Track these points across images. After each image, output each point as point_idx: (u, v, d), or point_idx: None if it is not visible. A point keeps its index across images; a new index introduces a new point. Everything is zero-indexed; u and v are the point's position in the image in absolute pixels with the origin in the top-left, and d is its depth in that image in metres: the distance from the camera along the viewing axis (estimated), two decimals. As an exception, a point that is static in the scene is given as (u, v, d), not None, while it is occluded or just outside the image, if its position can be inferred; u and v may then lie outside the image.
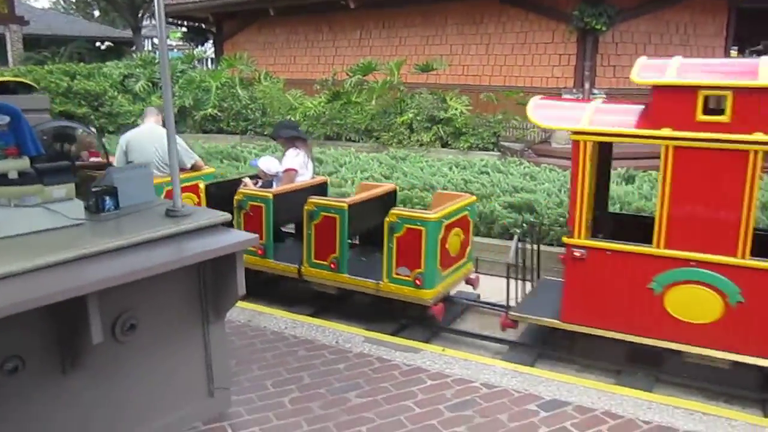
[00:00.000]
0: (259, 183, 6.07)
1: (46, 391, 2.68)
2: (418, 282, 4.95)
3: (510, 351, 5.06)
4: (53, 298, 2.39)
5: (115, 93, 15.97)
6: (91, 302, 2.53)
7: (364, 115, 13.13)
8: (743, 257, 4.00)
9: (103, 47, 29.61)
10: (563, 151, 11.66)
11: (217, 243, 3.07)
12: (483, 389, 3.97)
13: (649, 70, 4.24)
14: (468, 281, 5.72)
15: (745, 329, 4.07)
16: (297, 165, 6.01)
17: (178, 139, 5.90)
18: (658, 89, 4.14)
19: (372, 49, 15.35)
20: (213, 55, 22.43)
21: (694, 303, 4.18)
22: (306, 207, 5.33)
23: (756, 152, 3.85)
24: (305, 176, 6.07)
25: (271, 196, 5.53)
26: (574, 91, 11.74)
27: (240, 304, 5.04)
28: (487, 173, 8.64)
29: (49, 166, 2.98)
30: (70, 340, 2.66)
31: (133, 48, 27.77)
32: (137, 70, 16.88)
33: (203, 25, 21.25)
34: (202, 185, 6.24)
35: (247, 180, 6.03)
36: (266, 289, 5.94)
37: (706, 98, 3.93)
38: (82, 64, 17.90)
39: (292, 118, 13.78)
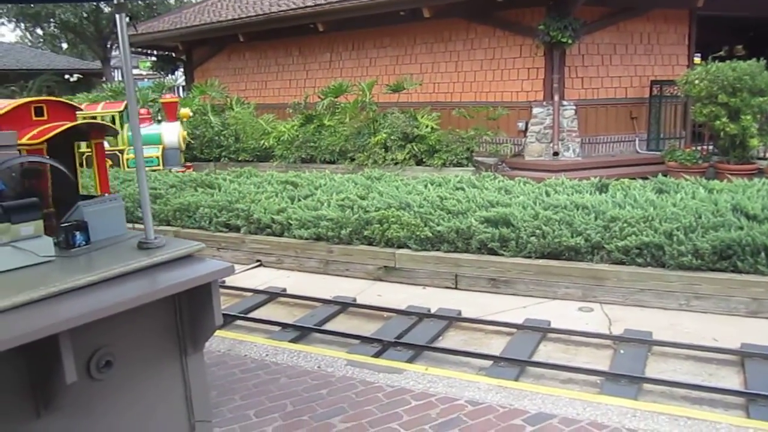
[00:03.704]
0: None
1: (21, 436, 2.60)
2: None
3: (493, 366, 5.06)
4: (24, 339, 2.33)
5: (86, 125, 15.80)
6: (63, 341, 2.47)
7: (337, 137, 13.16)
8: None
9: (72, 79, 29.50)
10: (536, 163, 11.79)
11: (192, 273, 3.02)
12: (468, 407, 3.95)
13: None
14: None
15: None
16: None
17: None
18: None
19: (343, 71, 15.44)
20: (184, 83, 22.39)
21: None
22: None
23: None
24: None
25: None
26: (545, 103, 11.89)
27: (219, 333, 4.98)
28: (463, 189, 8.66)
29: (15, 203, 2.92)
30: (43, 381, 2.59)
31: (103, 79, 27.63)
32: (108, 100, 16.78)
33: (173, 54, 21.24)
34: None
35: None
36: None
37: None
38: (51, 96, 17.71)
39: (266, 143, 13.77)
